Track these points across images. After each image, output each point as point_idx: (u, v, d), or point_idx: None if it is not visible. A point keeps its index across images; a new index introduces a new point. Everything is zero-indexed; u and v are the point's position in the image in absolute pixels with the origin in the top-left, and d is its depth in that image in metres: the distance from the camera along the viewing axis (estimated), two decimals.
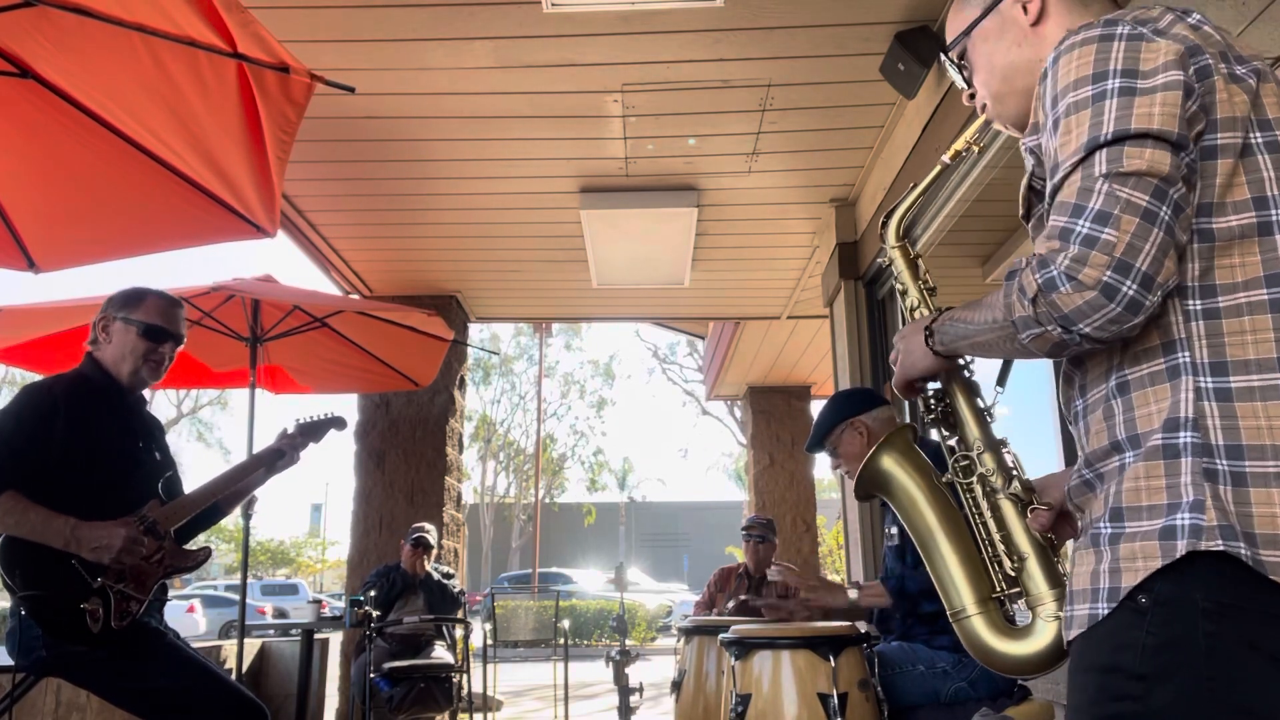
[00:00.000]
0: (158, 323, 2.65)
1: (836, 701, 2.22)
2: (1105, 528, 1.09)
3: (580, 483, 34.87)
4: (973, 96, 1.44)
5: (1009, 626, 1.35)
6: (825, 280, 5.93)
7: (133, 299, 2.67)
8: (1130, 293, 1.03)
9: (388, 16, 3.71)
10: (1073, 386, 1.23)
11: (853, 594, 2.58)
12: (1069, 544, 1.29)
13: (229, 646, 5.47)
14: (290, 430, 2.93)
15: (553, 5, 3.59)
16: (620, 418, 70.12)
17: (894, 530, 2.67)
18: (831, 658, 2.27)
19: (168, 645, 2.50)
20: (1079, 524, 1.19)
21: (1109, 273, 1.03)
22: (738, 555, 7.07)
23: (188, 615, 19.01)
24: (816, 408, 10.84)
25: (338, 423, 3.06)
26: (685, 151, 4.92)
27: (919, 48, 3.80)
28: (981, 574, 1.38)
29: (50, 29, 2.37)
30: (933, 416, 1.44)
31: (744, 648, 2.37)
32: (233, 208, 2.98)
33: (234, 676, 3.32)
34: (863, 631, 2.43)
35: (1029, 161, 1.27)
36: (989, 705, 2.39)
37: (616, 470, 36.63)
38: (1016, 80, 1.35)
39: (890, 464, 1.54)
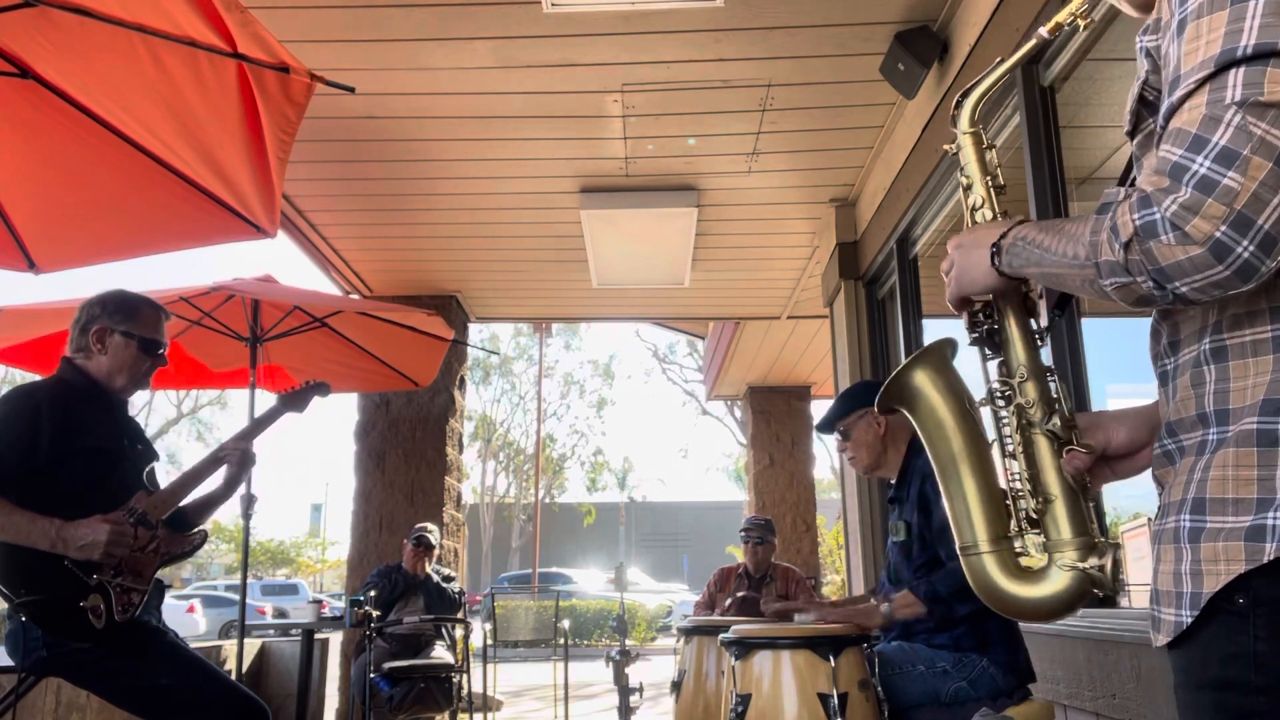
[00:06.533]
0: (156, 337, 2.64)
1: (836, 701, 2.22)
2: (1185, 520, 0.97)
3: (580, 483, 34.91)
4: None
5: (1020, 569, 1.26)
6: (825, 280, 5.93)
7: (129, 310, 2.61)
8: (1245, 255, 0.86)
9: (388, 16, 3.71)
10: (1160, 343, 1.08)
11: (885, 608, 2.52)
12: (1147, 524, 1.19)
13: (229, 646, 5.47)
14: (273, 405, 2.93)
15: (553, 5, 3.59)
16: (620, 418, 70.22)
17: (901, 526, 2.66)
18: (831, 658, 2.26)
19: (167, 645, 2.50)
20: (1159, 500, 1.06)
21: (1224, 228, 0.85)
22: (738, 555, 7.07)
23: (188, 615, 19.01)
24: (816, 408, 10.89)
25: (321, 389, 3.04)
26: (685, 151, 4.92)
27: (919, 48, 3.80)
28: (1001, 510, 1.28)
29: (50, 29, 2.37)
30: (977, 335, 1.30)
31: (744, 648, 2.37)
32: (233, 208, 2.98)
33: (234, 676, 3.32)
34: (863, 631, 2.43)
35: (1143, 65, 1.07)
36: (989, 705, 2.39)
37: (616, 470, 36.65)
38: None
39: (923, 380, 1.40)
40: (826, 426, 2.84)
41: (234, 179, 2.83)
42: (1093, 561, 1.19)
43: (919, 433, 1.41)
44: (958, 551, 1.31)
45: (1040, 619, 1.26)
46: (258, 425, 2.87)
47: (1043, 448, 1.24)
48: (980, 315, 1.30)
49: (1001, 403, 1.28)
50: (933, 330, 4.71)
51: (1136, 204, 0.92)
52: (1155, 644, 1.01)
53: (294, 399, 3.00)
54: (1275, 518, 0.89)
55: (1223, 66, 0.89)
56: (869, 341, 5.32)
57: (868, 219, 5.20)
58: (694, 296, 7.36)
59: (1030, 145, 3.17)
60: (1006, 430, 1.28)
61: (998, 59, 1.35)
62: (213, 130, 2.65)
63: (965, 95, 1.37)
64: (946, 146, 1.43)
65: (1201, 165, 0.87)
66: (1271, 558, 0.89)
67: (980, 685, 2.42)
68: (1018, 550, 1.27)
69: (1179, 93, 0.93)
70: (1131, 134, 1.12)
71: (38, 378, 2.65)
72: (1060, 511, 1.22)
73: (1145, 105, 1.09)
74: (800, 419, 10.58)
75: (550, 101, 4.41)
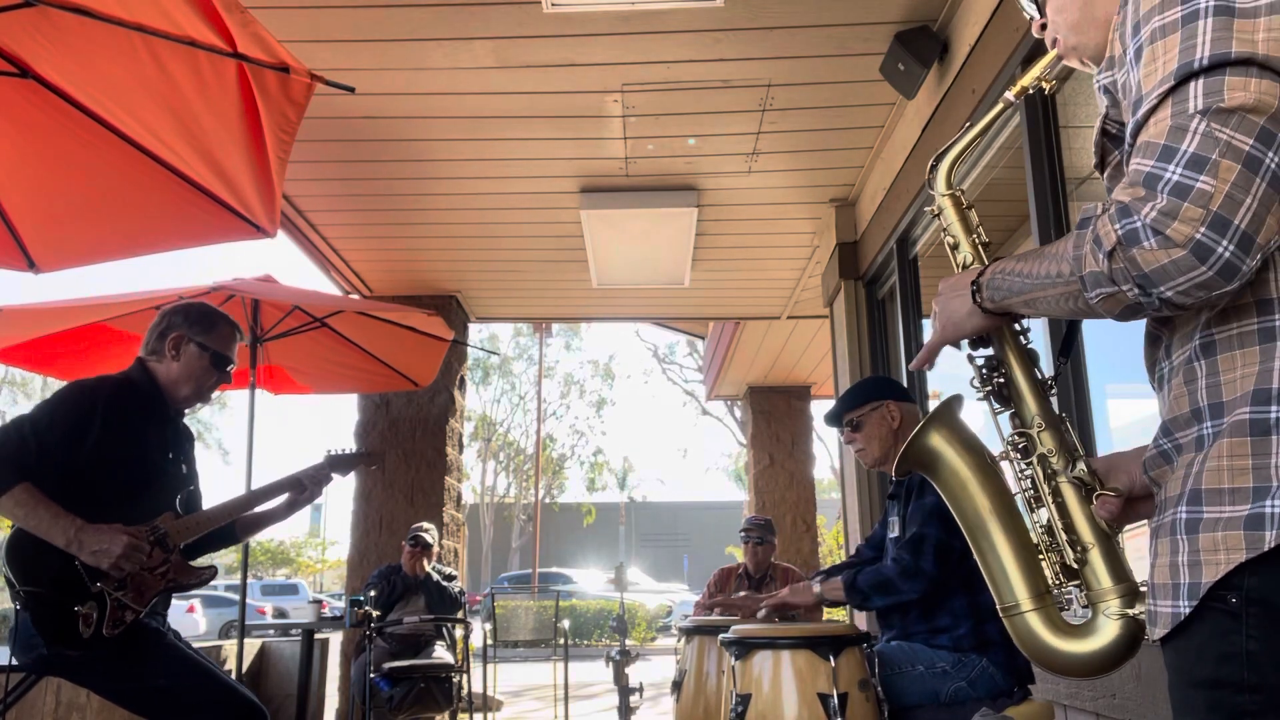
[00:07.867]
0: (228, 353, 2.68)
1: (836, 701, 2.22)
2: (1183, 512, 0.98)
3: (580, 483, 34.90)
4: (1044, 27, 1.26)
5: (1067, 624, 1.24)
6: (825, 280, 5.93)
7: (208, 322, 2.66)
8: (1226, 255, 0.89)
9: (388, 16, 3.72)
10: (1158, 347, 1.10)
11: (817, 588, 2.60)
12: (1143, 525, 1.18)
13: (229, 646, 5.47)
14: (319, 462, 2.87)
15: (553, 5, 3.59)
16: (620, 418, 70.19)
17: (894, 520, 2.67)
18: (831, 658, 2.26)
19: (167, 645, 2.50)
20: (1154, 500, 1.07)
21: (1203, 229, 0.89)
22: (738, 555, 7.08)
23: (188, 615, 19.06)
24: (817, 407, 10.88)
25: (370, 458, 3.02)
26: (685, 151, 4.92)
27: (919, 48, 3.80)
28: (1037, 566, 1.26)
29: (50, 29, 2.37)
30: (987, 389, 1.29)
31: (744, 648, 2.37)
32: (233, 208, 2.98)
33: (234, 676, 3.31)
34: (863, 631, 2.43)
35: (1103, 102, 1.13)
36: (989, 705, 2.39)
37: (616, 470, 36.63)
38: (1098, 7, 1.17)
39: (939, 440, 1.38)
40: (836, 420, 2.82)
41: (234, 179, 2.83)
42: (1140, 608, 1.17)
43: (943, 495, 1.40)
44: (1000, 610, 1.29)
45: (1094, 673, 1.23)
46: (299, 484, 2.77)
47: (1070, 496, 1.23)
48: (985, 371, 1.30)
49: (1020, 455, 1.27)
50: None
51: (1116, 214, 0.95)
52: (1151, 638, 1.02)
53: (341, 462, 2.92)
54: (1274, 505, 0.91)
55: (1182, 79, 0.94)
56: (869, 341, 5.32)
57: (868, 219, 5.20)
58: (694, 296, 7.36)
59: (1030, 145, 3.17)
60: (1028, 482, 1.27)
61: (967, 123, 1.38)
62: (213, 130, 2.65)
63: (939, 159, 1.41)
64: (928, 209, 1.46)
65: (1174, 173, 0.92)
66: (1272, 545, 0.90)
67: (980, 685, 2.42)
68: (1060, 605, 1.25)
69: (1143, 109, 0.98)
70: (1100, 167, 1.17)
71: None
72: (1098, 559, 1.21)
73: (1109, 138, 1.14)
74: (800, 419, 10.57)
75: (550, 101, 4.41)
